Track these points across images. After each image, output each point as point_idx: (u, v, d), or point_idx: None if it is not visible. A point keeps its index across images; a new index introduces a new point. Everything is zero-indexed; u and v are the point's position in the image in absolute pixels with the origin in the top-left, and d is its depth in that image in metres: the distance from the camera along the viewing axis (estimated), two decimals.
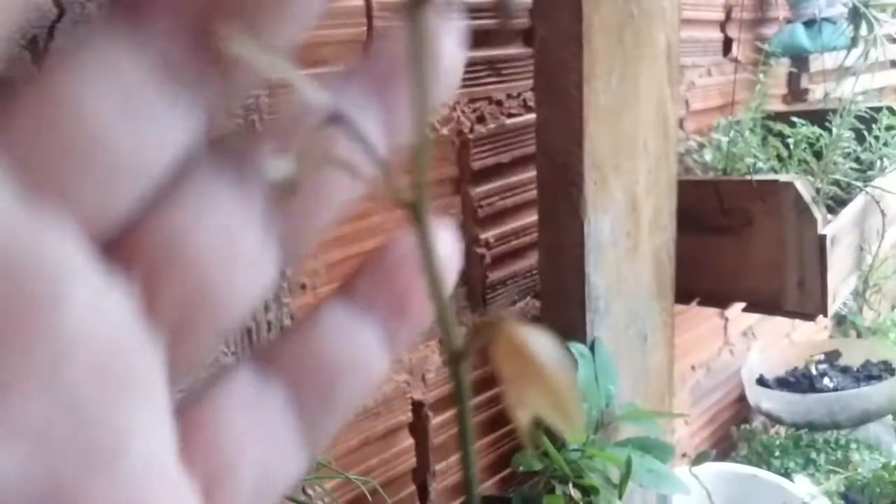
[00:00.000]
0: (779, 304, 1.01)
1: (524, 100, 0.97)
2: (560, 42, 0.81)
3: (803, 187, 0.95)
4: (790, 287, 0.99)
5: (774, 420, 1.49)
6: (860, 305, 2.13)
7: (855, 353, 1.63)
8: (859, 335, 2.09)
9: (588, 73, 0.81)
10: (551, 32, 0.82)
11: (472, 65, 0.90)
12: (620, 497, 0.68)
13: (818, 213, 0.95)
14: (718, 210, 1.04)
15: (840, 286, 1.00)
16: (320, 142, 0.15)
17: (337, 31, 0.75)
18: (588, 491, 0.76)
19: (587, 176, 0.84)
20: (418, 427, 0.91)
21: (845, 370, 1.60)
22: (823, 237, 0.94)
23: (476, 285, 0.97)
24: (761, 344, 1.68)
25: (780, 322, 1.73)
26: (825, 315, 0.98)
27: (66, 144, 0.12)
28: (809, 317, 1.00)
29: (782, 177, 0.97)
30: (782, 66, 1.57)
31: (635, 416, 0.85)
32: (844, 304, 2.13)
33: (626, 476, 0.66)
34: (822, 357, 1.61)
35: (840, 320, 2.14)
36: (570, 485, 0.73)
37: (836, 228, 0.98)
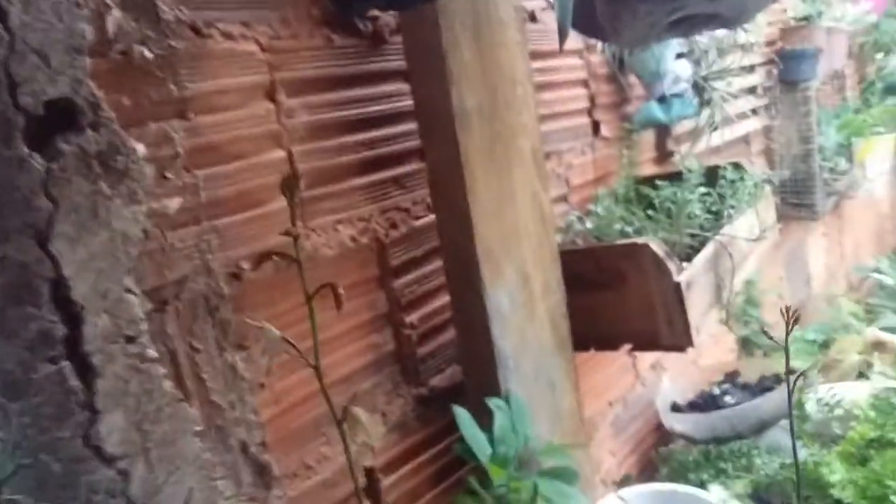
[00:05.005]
0: (656, 341, 1.23)
1: (427, 203, 1.18)
2: (444, 162, 1.03)
3: (657, 246, 1.18)
4: (662, 327, 1.21)
5: (688, 440, 1.70)
6: (762, 326, 2.40)
7: (752, 371, 1.87)
8: (765, 354, 2.35)
9: (470, 183, 1.03)
10: (436, 155, 1.04)
11: (380, 183, 1.11)
12: None
13: (672, 265, 1.18)
14: (597, 271, 1.26)
15: (701, 320, 1.23)
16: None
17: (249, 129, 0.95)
18: None
19: (481, 262, 1.05)
20: (372, 490, 1.08)
21: (745, 387, 1.83)
22: (678, 284, 1.17)
23: (408, 361, 1.16)
24: (670, 373, 1.90)
25: None
26: (692, 345, 1.20)
27: None
28: (681, 348, 1.22)
29: (639, 239, 1.20)
30: (650, 135, 1.85)
31: (547, 450, 1.04)
32: (746, 323, 2.40)
33: (533, 496, 0.85)
34: (722, 378, 1.84)
35: (745, 342, 2.40)
36: None
37: (690, 275, 1.21)
